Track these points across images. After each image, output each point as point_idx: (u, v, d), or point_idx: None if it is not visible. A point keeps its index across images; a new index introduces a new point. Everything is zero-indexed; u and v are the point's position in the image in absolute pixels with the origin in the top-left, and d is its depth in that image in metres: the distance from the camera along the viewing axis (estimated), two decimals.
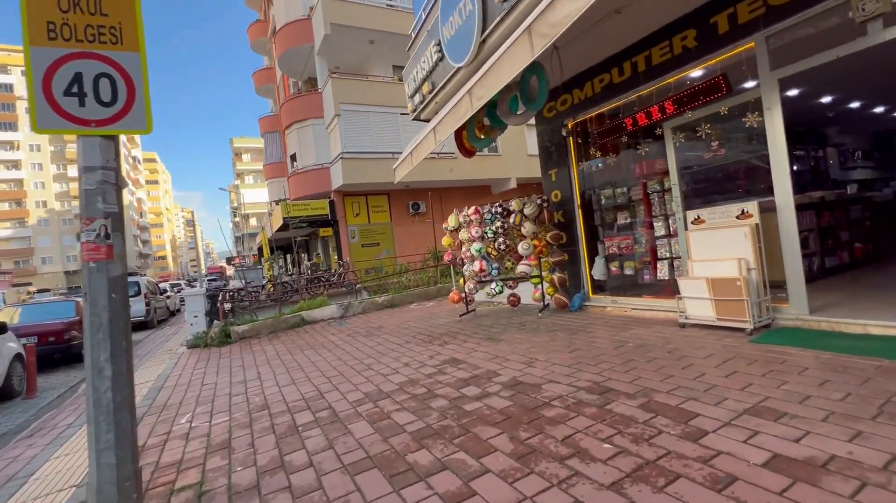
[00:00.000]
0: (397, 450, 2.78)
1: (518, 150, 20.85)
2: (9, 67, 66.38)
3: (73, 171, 67.80)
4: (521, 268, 6.18)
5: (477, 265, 6.52)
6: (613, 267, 6.04)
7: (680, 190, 5.10)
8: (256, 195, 54.99)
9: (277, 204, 17.97)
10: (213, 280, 54.85)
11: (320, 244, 21.40)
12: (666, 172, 5.31)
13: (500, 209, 6.46)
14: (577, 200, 6.45)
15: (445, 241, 7.20)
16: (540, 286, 6.39)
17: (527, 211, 6.25)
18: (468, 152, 6.54)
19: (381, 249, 18.97)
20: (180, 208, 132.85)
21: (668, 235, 5.37)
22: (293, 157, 19.61)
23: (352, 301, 9.48)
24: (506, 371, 4.08)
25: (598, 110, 6.01)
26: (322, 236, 18.43)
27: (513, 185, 20.51)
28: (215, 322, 8.64)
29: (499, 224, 6.42)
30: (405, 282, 11.32)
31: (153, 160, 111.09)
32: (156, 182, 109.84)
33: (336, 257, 18.34)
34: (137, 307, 14.80)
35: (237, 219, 72.19)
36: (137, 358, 8.39)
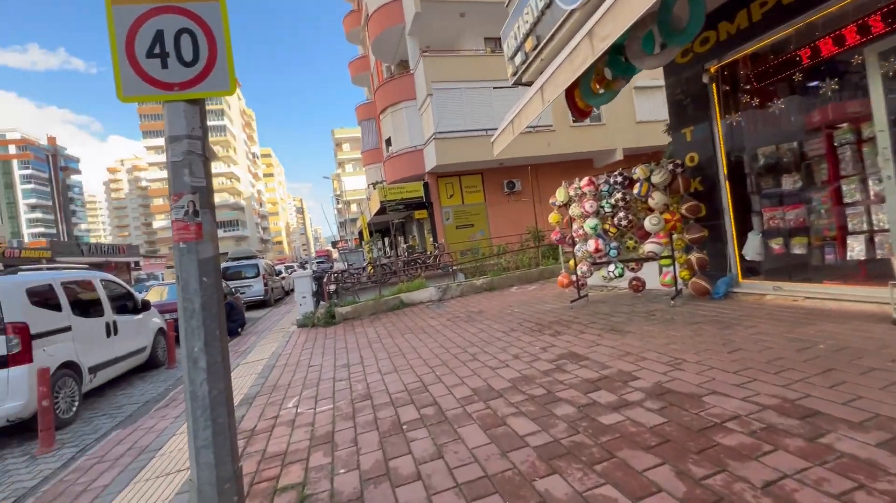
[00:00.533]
0: (521, 470, 2.24)
1: (625, 117, 18.78)
2: None
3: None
4: (649, 246, 5.20)
5: (592, 244, 5.67)
6: (775, 244, 4.77)
7: (891, 138, 3.73)
8: (356, 182, 58.17)
9: (375, 188, 18.43)
10: (322, 262, 59.93)
11: (415, 227, 21.66)
12: (864, 117, 3.94)
13: (620, 178, 5.50)
14: (722, 163, 5.23)
15: (553, 217, 6.42)
16: (671, 269, 5.35)
17: (655, 179, 5.22)
18: (582, 113, 5.64)
19: (476, 230, 18.56)
20: (292, 198, 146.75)
21: (867, 201, 4.01)
22: (388, 142, 19.91)
23: (449, 284, 9.17)
24: (644, 373, 3.30)
25: (756, 45, 4.70)
26: (417, 219, 18.55)
27: (618, 157, 18.59)
28: (321, 303, 8.94)
29: (619, 196, 5.48)
30: (504, 264, 10.72)
31: (269, 155, 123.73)
32: (271, 175, 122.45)
33: (431, 239, 18.37)
34: (257, 287, 16.30)
35: (340, 205, 77.63)
36: (255, 334, 9.05)
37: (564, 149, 17.79)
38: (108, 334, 5.78)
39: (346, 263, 16.15)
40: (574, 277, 6.30)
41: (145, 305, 6.87)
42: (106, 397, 5.83)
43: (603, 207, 5.68)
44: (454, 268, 13.92)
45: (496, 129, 17.06)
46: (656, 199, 5.17)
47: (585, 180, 5.79)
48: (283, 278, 21.81)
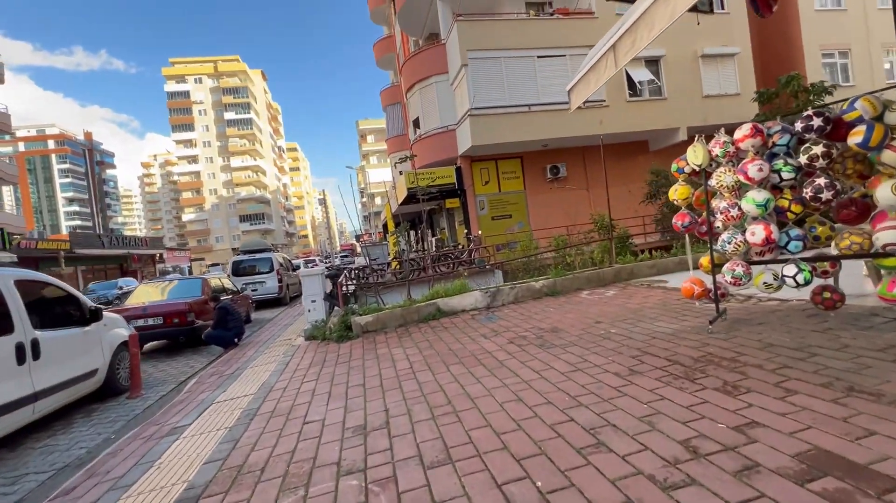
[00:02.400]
0: None
1: (690, 91, 16.17)
2: (185, 77, 78.41)
3: (235, 161, 78.34)
4: (887, 235, 2.95)
5: (759, 232, 3.47)
6: None
7: None
8: (380, 174, 56.62)
9: (402, 173, 16.47)
10: (346, 256, 58.74)
11: (445, 218, 19.63)
12: None
13: (818, 121, 3.27)
14: None
15: (680, 191, 4.21)
16: None
17: (893, 119, 2.98)
18: (768, 7, 3.43)
19: (514, 222, 16.38)
20: (317, 192, 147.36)
21: None
22: (416, 123, 17.88)
23: (500, 286, 7.07)
24: None
25: None
26: (448, 208, 16.49)
27: (681, 137, 16.01)
28: (335, 309, 7.03)
29: (817, 150, 3.25)
30: (569, 259, 8.53)
31: (295, 149, 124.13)
32: (297, 169, 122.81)
33: (465, 231, 16.30)
34: (271, 284, 14.62)
35: (364, 199, 76.42)
36: (256, 345, 7.22)
37: (618, 127, 15.37)
38: (21, 360, 3.96)
39: (367, 258, 14.26)
40: (711, 284, 4.10)
41: (95, 315, 5.06)
42: (15, 454, 4.02)
43: (780, 172, 3.46)
44: (490, 265, 11.85)
45: (541, 104, 14.82)
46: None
47: (747, 128, 3.57)
48: None
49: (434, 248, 18.85)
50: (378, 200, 57.12)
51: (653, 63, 16.11)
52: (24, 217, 34.49)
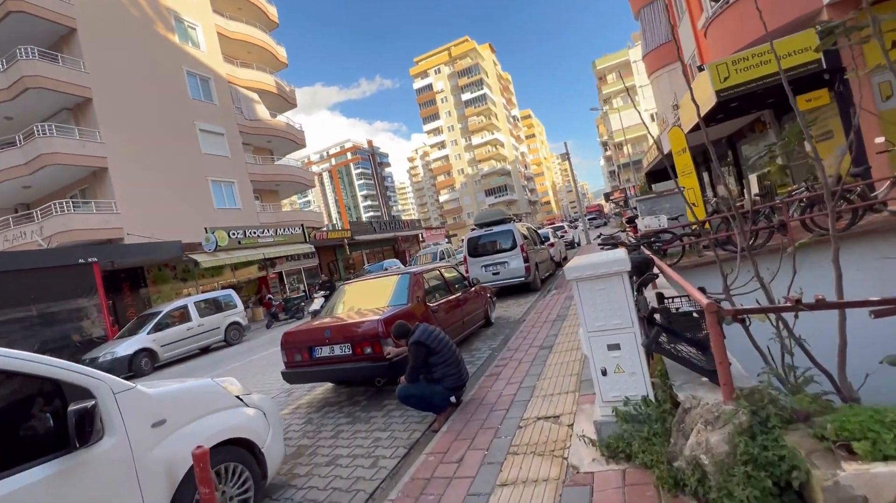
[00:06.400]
0: None
1: None
2: (427, 71, 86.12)
3: (475, 139, 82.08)
4: None
5: None
6: None
7: None
8: (627, 119, 47.33)
9: (703, 68, 10.01)
10: (594, 218, 52.41)
11: (779, 130, 11.87)
12: None
13: None
14: None
15: None
16: None
17: None
18: None
19: None
20: (556, 157, 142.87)
21: None
22: None
23: None
24: None
25: None
26: (803, 110, 9.12)
27: None
28: (654, 346, 2.41)
29: None
30: None
31: (528, 116, 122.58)
32: (533, 136, 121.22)
33: (840, 151, 8.74)
34: (515, 264, 11.09)
35: (608, 152, 67.27)
36: (485, 412, 3.41)
37: None
38: None
39: (658, 218, 8.87)
40: None
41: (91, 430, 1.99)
42: None
43: None
44: None
45: None
46: None
47: None
48: (552, 245, 16.17)
49: (754, 195, 11.64)
50: (627, 149, 48.14)
51: None
52: (323, 213, 42.95)
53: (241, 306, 13.96)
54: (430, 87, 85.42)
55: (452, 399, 3.84)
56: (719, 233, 7.90)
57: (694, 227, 8.57)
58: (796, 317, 1.99)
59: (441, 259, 19.25)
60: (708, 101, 9.31)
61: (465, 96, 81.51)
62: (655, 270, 3.62)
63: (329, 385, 5.78)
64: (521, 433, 3.08)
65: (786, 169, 9.65)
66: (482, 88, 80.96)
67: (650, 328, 2.42)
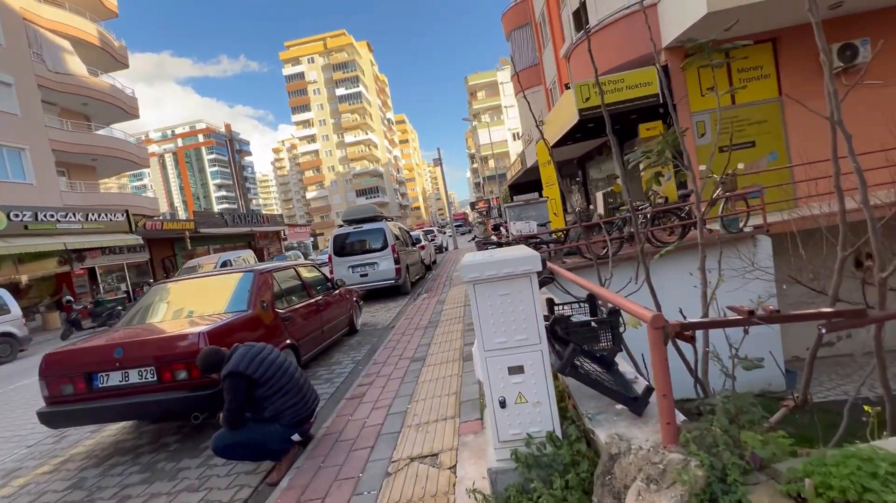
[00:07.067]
0: None
1: None
2: (299, 58, 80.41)
3: (348, 137, 79.22)
4: None
5: None
6: None
7: None
8: (495, 135, 50.76)
9: (569, 86, 10.71)
10: (460, 225, 55.09)
11: (617, 161, 13.48)
12: None
13: None
14: None
15: None
16: None
17: None
18: None
19: (761, 153, 9.74)
20: (427, 164, 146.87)
21: None
22: (576, 17, 11.84)
23: None
24: None
25: None
26: (644, 139, 10.36)
27: None
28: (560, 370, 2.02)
29: None
30: None
31: (403, 121, 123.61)
32: (406, 141, 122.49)
33: (666, 177, 10.17)
34: (385, 265, 10.39)
35: (475, 165, 71.37)
36: (353, 466, 2.63)
37: None
38: None
39: (527, 224, 9.10)
40: None
41: None
42: None
43: None
44: (751, 227, 5.82)
45: None
46: None
47: None
48: (423, 247, 15.93)
49: (602, 209, 13.05)
50: (492, 163, 51.62)
51: None
52: (161, 200, 36.46)
53: (16, 311, 10.45)
54: (301, 75, 79.88)
55: (296, 437, 2.93)
56: (580, 241, 8.39)
57: (558, 234, 9.04)
58: (746, 331, 1.72)
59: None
60: (571, 118, 9.98)
61: (340, 91, 78.29)
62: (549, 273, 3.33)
63: (128, 422, 4.25)
64: (391, 484, 2.38)
65: (618, 190, 10.89)
66: (358, 86, 78.77)
67: (555, 345, 1.98)
